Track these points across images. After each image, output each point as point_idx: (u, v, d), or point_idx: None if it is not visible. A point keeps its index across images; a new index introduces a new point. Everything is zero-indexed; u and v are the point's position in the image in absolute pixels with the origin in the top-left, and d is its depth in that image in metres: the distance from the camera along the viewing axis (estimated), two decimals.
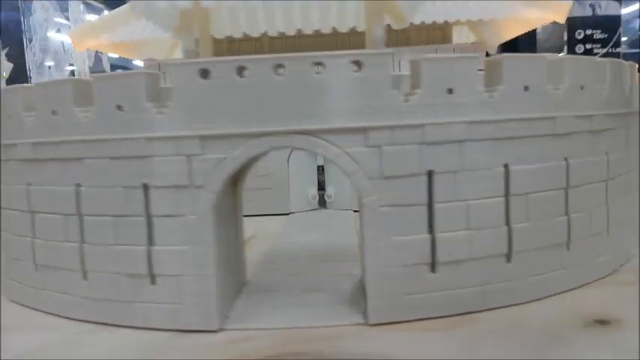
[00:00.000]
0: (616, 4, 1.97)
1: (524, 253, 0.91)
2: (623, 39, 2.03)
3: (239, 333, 0.85)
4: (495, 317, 0.87)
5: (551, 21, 1.83)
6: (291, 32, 1.57)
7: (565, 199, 0.95)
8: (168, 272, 0.86)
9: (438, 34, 1.98)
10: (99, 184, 0.88)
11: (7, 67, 1.78)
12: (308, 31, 1.77)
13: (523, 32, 1.98)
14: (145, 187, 0.86)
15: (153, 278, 0.88)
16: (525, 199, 0.90)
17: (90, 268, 0.92)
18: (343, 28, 1.81)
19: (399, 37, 1.97)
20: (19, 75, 3.43)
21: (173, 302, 0.87)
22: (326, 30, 1.80)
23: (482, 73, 0.88)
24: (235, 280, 1.01)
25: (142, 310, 0.89)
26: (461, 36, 2.34)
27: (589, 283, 0.99)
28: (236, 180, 1.00)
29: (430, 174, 0.85)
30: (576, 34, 1.97)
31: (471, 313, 0.88)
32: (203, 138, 0.82)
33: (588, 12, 1.99)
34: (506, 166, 0.89)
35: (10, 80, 1.97)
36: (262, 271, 1.17)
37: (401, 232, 0.84)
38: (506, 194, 0.89)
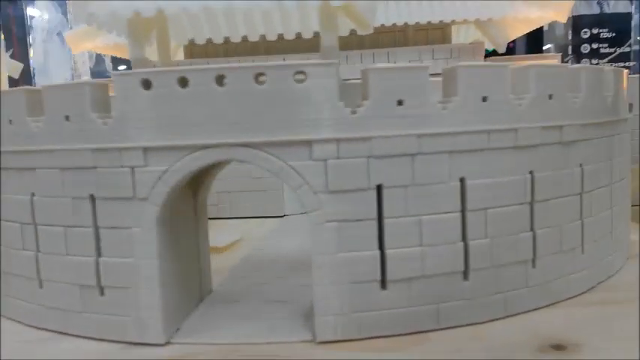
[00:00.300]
0: (626, 1, 1.88)
1: (483, 271, 0.87)
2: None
3: (185, 347, 0.84)
4: (448, 337, 0.83)
5: (552, 20, 1.76)
6: (255, 38, 1.52)
7: (530, 214, 0.90)
8: (115, 284, 0.86)
9: (437, 33, 1.92)
10: (50, 194, 0.88)
11: (17, 67, 1.81)
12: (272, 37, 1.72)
13: (529, 31, 1.92)
14: (92, 199, 0.85)
15: (102, 289, 0.87)
16: (484, 214, 0.86)
17: (45, 277, 0.92)
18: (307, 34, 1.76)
19: (397, 38, 1.92)
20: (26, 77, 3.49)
21: (121, 314, 0.86)
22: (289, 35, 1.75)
23: (438, 82, 0.84)
24: (194, 290, 1.00)
25: (94, 320, 0.88)
26: (467, 35, 2.28)
27: (559, 302, 0.94)
28: (197, 189, 0.99)
29: (379, 188, 0.82)
30: (582, 33, 1.89)
31: (424, 332, 0.85)
32: (146, 150, 0.81)
33: (596, 10, 1.90)
34: (462, 180, 0.85)
35: (14, 82, 2.01)
36: (231, 280, 1.16)
37: (349, 248, 0.82)
38: (463, 209, 0.85)
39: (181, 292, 0.93)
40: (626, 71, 1.15)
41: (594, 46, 1.91)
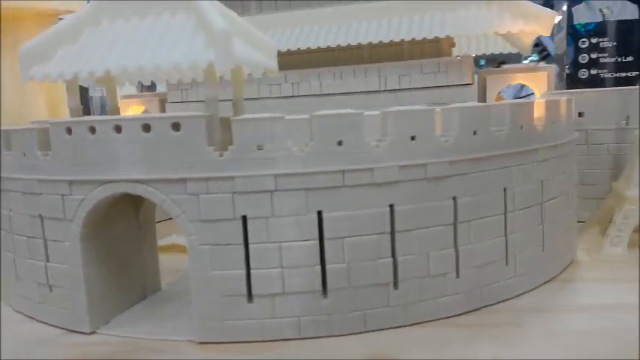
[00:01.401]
0: (633, 7, 1.78)
1: (342, 290, 1.00)
2: None
3: (100, 337, 1.07)
4: (303, 346, 0.98)
5: (537, 34, 1.76)
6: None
7: (391, 242, 1.01)
8: (57, 284, 1.10)
9: (432, 46, 1.97)
10: (18, 211, 1.15)
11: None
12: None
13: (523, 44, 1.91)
14: (41, 218, 1.10)
15: (50, 287, 1.12)
16: (341, 242, 0.99)
17: (19, 274, 1.19)
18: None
19: (393, 51, 1.99)
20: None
21: (63, 307, 1.11)
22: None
23: (297, 128, 0.97)
24: (134, 289, 1.22)
25: (49, 310, 1.14)
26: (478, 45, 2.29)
27: (426, 321, 1.04)
28: (138, 207, 1.21)
29: (244, 218, 0.98)
30: (579, 42, 1.83)
31: (286, 340, 1.00)
32: (70, 182, 1.04)
33: (598, 18, 1.82)
34: (319, 212, 0.98)
35: None
36: (181, 280, 1.37)
37: (220, 267, 0.99)
38: (321, 238, 0.99)
39: (114, 291, 1.15)
40: (543, 100, 1.18)
41: (593, 55, 1.85)
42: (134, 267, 1.22)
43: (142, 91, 2.84)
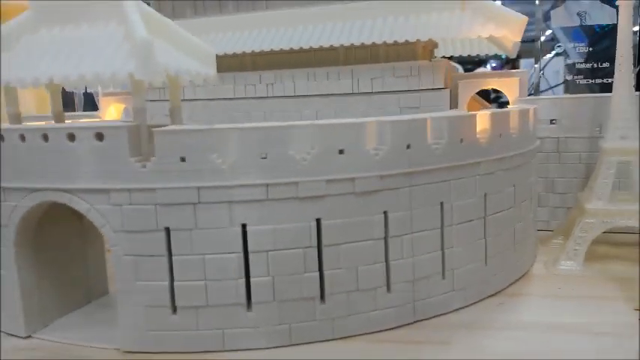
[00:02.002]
0: (613, 11, 1.73)
1: (267, 304, 0.99)
2: None
3: (34, 342, 1.08)
4: (229, 358, 0.98)
5: (509, 39, 1.72)
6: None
7: (318, 256, 1.00)
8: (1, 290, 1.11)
9: (407, 49, 1.93)
10: None
11: None
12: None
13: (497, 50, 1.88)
14: None
15: None
16: (265, 255, 0.98)
17: None
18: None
19: (369, 53, 1.96)
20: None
21: (5, 311, 1.12)
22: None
23: (221, 141, 0.97)
24: (76, 294, 1.23)
25: None
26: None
27: (356, 335, 1.03)
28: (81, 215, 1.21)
29: (168, 230, 0.97)
30: (556, 47, 1.78)
31: (210, 352, 1.00)
32: (4, 189, 1.04)
33: (575, 22, 1.77)
34: (244, 225, 0.97)
35: None
36: None
37: (143, 278, 0.99)
38: (245, 251, 0.98)
39: (54, 295, 1.16)
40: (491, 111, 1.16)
41: (568, 61, 1.81)
42: (77, 271, 1.23)
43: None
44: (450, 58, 2.23)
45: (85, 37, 1.03)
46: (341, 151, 0.99)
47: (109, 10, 1.03)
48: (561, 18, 1.82)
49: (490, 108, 2.03)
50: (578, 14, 1.79)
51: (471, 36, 1.70)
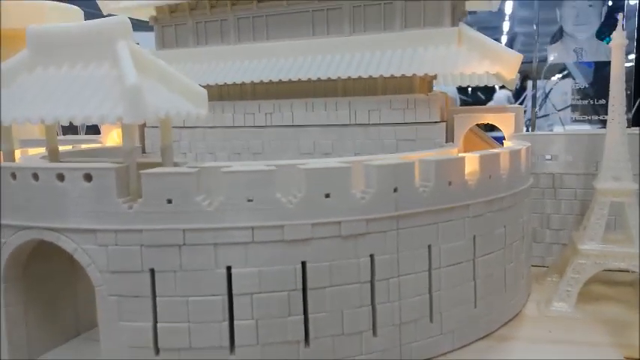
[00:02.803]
0: (607, 48, 1.73)
1: (250, 347, 0.99)
2: None
3: None
4: None
5: (504, 76, 1.73)
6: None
7: (303, 299, 1.00)
8: None
9: (404, 81, 1.94)
10: None
11: None
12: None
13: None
14: None
15: None
16: (250, 298, 0.98)
17: None
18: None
19: (367, 84, 1.97)
20: None
21: None
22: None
23: (207, 183, 0.97)
24: (65, 327, 1.23)
25: None
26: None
27: None
28: None
29: (152, 271, 0.98)
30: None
31: None
32: None
33: (572, 58, 1.78)
34: (229, 268, 0.98)
35: None
36: None
37: (127, 318, 0.99)
38: (229, 293, 0.98)
39: (40, 329, 1.16)
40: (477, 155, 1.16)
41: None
42: (66, 305, 1.23)
43: None
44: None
45: (79, 78, 1.04)
46: (327, 195, 0.99)
47: (102, 52, 1.05)
48: (558, 53, 1.83)
49: (489, 140, 2.04)
50: (574, 50, 1.80)
51: (465, 72, 1.71)
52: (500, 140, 1.92)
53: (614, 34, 1.36)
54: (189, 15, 2.09)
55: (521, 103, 4.34)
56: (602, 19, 1.78)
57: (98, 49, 1.05)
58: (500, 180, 1.22)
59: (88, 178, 0.97)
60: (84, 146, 1.97)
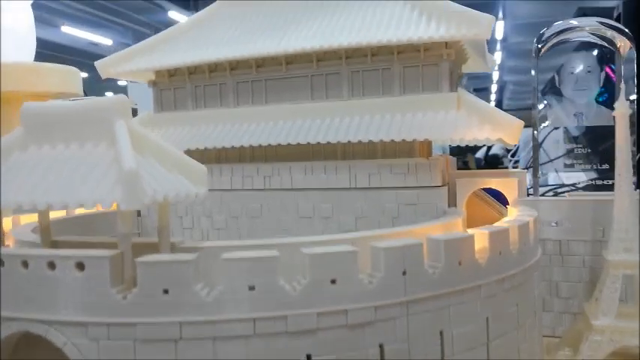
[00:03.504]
0: (609, 112, 1.73)
1: None
2: None
3: None
4: None
5: (504, 142, 1.72)
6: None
7: None
8: None
9: (404, 145, 1.92)
10: None
11: None
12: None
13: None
14: None
15: None
16: None
17: None
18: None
19: (366, 148, 1.95)
20: None
21: None
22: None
23: (206, 272, 0.92)
24: None
25: None
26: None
27: None
28: None
29: None
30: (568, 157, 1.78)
31: None
32: None
33: (573, 122, 1.78)
34: None
35: None
36: None
37: None
38: None
39: None
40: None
41: (567, 162, 1.80)
42: None
43: None
44: None
45: (74, 159, 1.01)
46: (333, 281, 0.94)
47: (99, 131, 1.02)
48: (559, 118, 1.83)
49: (491, 203, 2.00)
50: (574, 115, 1.80)
51: (466, 137, 1.69)
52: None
53: (617, 103, 1.36)
54: (188, 79, 2.08)
55: (513, 155, 4.35)
56: (601, 84, 1.78)
57: (95, 129, 1.02)
58: (511, 256, 1.18)
59: (81, 266, 0.92)
60: (78, 211, 1.91)
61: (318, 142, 1.84)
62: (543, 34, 1.70)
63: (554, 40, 1.72)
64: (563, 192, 1.81)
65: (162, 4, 10.31)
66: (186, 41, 2.11)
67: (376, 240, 1.08)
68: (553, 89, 1.95)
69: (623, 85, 1.34)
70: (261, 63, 2.01)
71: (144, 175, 0.92)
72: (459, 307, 1.05)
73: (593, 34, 1.70)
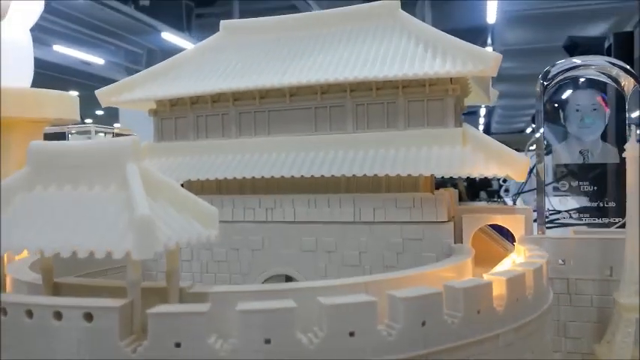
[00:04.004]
0: (615, 150, 1.74)
1: None
2: None
3: None
4: None
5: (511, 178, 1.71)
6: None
7: None
8: None
9: (409, 179, 1.90)
10: None
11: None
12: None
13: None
14: None
15: None
16: None
17: None
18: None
19: (370, 181, 1.93)
20: None
21: None
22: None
23: (221, 324, 0.89)
24: None
25: None
26: None
27: None
28: None
29: None
30: (560, 185, 1.78)
31: None
32: None
33: (578, 160, 1.77)
34: None
35: None
36: None
37: None
38: None
39: None
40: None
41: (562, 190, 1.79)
42: None
43: None
44: None
45: (82, 202, 0.98)
46: (352, 334, 0.91)
47: (109, 173, 0.99)
48: (564, 155, 1.82)
49: (497, 239, 1.98)
50: (580, 152, 1.80)
51: (473, 173, 1.68)
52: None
53: (628, 145, 1.35)
54: (190, 108, 2.06)
55: (504, 181, 4.36)
56: (607, 122, 1.79)
57: (105, 171, 1.00)
58: (527, 302, 1.16)
59: (89, 317, 0.88)
60: None
61: (322, 175, 1.82)
62: (549, 71, 1.70)
63: (560, 77, 1.72)
64: (557, 219, 1.81)
65: (156, 25, 10.36)
66: (188, 71, 2.10)
67: (391, 285, 1.06)
68: (553, 123, 1.95)
69: (634, 127, 1.34)
70: (264, 94, 1.99)
71: (156, 220, 0.89)
72: (477, 358, 1.02)
73: (599, 72, 1.71)
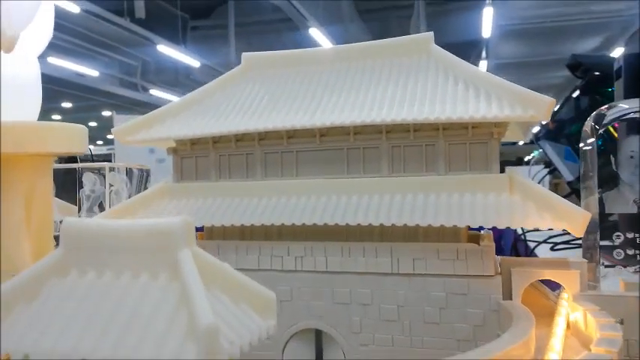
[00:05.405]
0: None
1: None
2: None
3: None
4: None
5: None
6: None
7: None
8: None
9: (449, 228, 1.78)
10: None
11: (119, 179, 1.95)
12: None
13: None
14: None
15: None
16: None
17: None
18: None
19: (407, 229, 1.80)
20: None
21: None
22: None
23: None
24: None
25: None
26: None
27: None
28: None
29: None
30: (614, 237, 1.68)
31: None
32: None
33: (631, 209, 1.67)
34: None
35: None
36: None
37: None
38: None
39: None
40: None
41: (631, 252, 1.69)
42: None
43: None
44: None
45: (127, 294, 0.84)
46: None
47: (158, 260, 0.86)
48: (616, 204, 1.72)
49: (549, 295, 1.85)
50: (634, 201, 1.69)
51: (526, 226, 1.57)
52: None
53: None
54: (211, 147, 1.93)
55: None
56: None
57: (153, 257, 0.87)
58: None
59: None
60: None
61: (359, 224, 1.69)
62: (604, 115, 1.60)
63: (613, 120, 1.62)
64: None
65: (151, 38, 10.27)
66: (210, 107, 1.97)
67: None
68: (603, 167, 1.83)
69: None
70: (292, 134, 1.87)
71: (220, 325, 0.76)
72: None
73: None
